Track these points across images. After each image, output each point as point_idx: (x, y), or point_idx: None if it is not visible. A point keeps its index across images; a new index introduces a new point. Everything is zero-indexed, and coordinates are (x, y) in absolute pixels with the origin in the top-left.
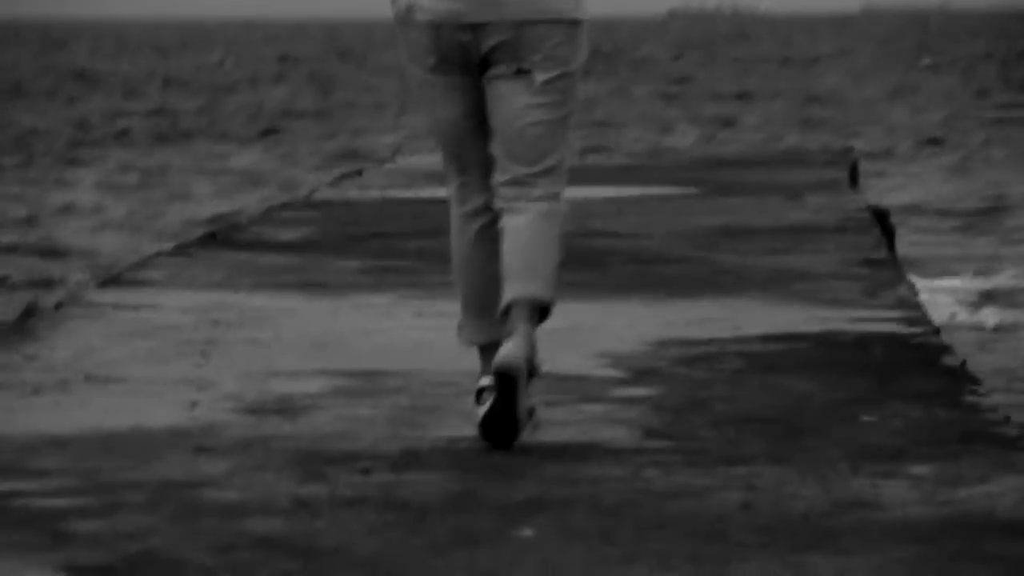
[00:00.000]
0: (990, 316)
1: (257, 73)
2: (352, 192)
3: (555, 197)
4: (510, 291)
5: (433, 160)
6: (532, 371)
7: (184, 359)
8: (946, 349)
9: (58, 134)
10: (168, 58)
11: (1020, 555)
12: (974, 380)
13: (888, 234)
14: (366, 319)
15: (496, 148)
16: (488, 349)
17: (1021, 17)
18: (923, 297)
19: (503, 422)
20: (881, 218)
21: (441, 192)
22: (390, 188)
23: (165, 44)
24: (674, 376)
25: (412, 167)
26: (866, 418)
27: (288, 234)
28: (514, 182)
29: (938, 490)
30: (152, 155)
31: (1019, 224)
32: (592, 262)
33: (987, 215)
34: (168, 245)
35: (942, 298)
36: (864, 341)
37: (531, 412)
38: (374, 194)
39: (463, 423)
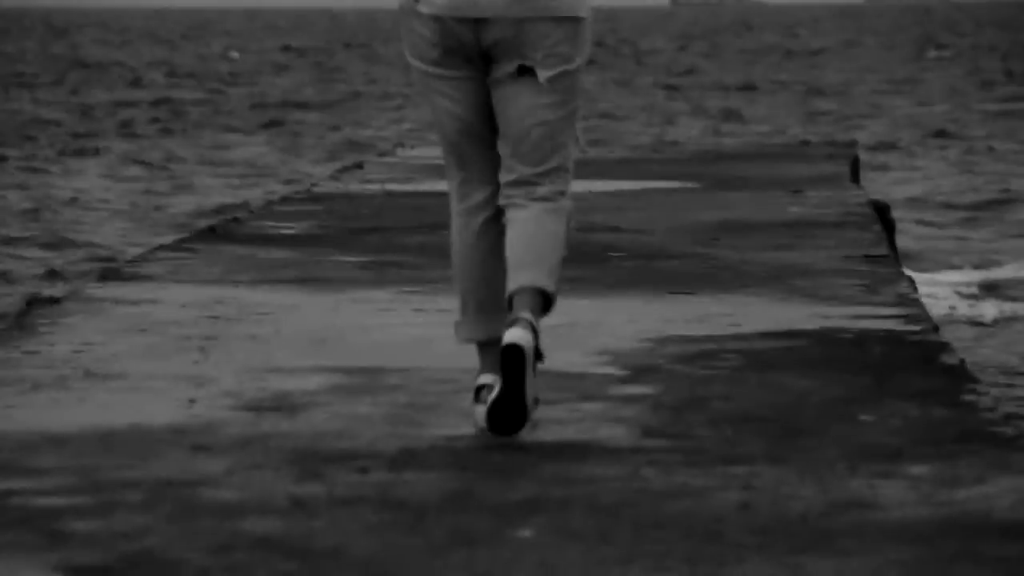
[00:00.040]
0: (989, 309)
1: (260, 64)
2: (353, 185)
3: (560, 195)
4: (515, 280)
5: (435, 153)
6: (538, 355)
7: (183, 355)
8: (945, 347)
9: (62, 124)
10: (172, 48)
11: (1017, 556)
12: (973, 379)
13: (889, 229)
14: (366, 315)
15: (502, 148)
16: (486, 346)
17: None
18: (922, 291)
19: (511, 405)
20: (882, 212)
21: (442, 186)
22: (391, 181)
23: (168, 33)
24: (673, 373)
25: (414, 160)
26: (864, 417)
27: (288, 228)
28: (519, 182)
29: (936, 491)
30: (156, 147)
31: (1021, 218)
32: (593, 257)
33: (990, 208)
34: (169, 239)
35: (941, 291)
36: (863, 339)
37: (536, 401)
38: (375, 187)
39: (462, 421)
